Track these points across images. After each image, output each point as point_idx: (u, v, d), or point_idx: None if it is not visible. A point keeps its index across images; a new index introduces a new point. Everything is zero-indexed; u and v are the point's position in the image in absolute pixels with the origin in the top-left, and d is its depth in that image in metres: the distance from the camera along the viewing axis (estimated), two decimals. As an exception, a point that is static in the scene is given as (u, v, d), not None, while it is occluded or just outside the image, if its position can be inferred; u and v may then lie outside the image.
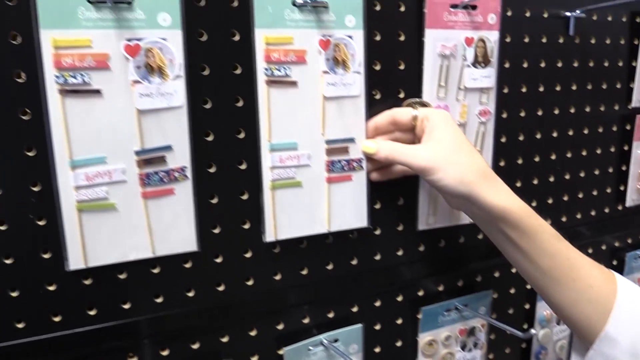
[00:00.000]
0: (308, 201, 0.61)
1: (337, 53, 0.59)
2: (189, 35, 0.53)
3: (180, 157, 0.54)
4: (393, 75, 0.65)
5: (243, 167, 0.58)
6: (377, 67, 0.64)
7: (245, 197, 0.59)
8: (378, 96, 0.64)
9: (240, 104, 0.57)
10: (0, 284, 0.51)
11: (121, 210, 0.53)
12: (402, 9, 0.64)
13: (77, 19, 0.48)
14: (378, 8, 0.62)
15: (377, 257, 0.68)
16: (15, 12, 0.47)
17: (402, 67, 0.65)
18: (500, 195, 0.57)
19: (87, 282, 0.54)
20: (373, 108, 0.63)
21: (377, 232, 0.68)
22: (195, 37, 0.54)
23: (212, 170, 0.57)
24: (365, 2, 0.60)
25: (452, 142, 0.58)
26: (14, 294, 0.52)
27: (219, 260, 0.59)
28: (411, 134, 0.63)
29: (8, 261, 0.51)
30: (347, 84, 0.60)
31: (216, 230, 0.59)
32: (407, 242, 0.70)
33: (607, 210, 0.89)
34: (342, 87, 0.60)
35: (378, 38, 0.63)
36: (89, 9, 0.48)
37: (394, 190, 0.68)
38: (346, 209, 0.63)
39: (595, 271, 0.57)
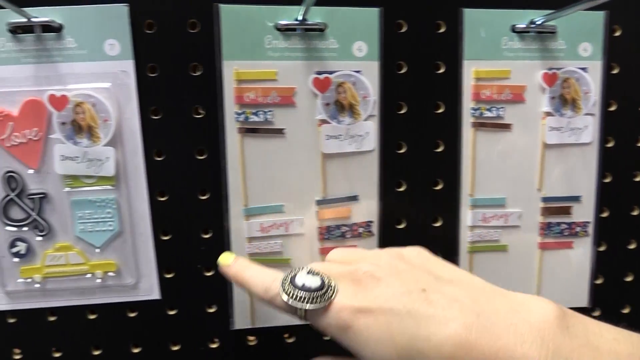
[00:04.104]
0: (514, 270, 0.49)
1: (565, 90, 0.47)
2: (386, 67, 0.44)
3: (366, 211, 0.46)
4: (633, 118, 0.51)
5: (437, 224, 0.48)
6: (613, 108, 0.50)
7: (436, 260, 0.49)
8: (611, 144, 0.50)
9: (440, 149, 0.47)
10: (163, 336, 0.47)
11: (295, 267, 0.46)
12: (651, 33, 0.50)
13: (263, 49, 0.42)
14: (618, 33, 0.49)
15: (594, 345, 0.54)
16: (203, 41, 0.42)
17: (645, 107, 0.51)
18: None
19: (252, 342, 0.48)
20: (605, 159, 0.50)
21: (597, 312, 0.53)
22: (393, 70, 0.45)
23: (401, 226, 0.48)
24: (605, 26, 0.47)
25: None
26: (175, 348, 0.47)
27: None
28: None
29: (172, 312, 0.46)
30: (576, 128, 0.48)
31: (399, 297, 0.49)
32: (635, 326, 0.55)
33: None
34: (568, 132, 0.47)
35: (616, 71, 0.50)
36: (277, 38, 0.42)
37: (623, 262, 0.53)
38: (562, 282, 0.50)
39: None
